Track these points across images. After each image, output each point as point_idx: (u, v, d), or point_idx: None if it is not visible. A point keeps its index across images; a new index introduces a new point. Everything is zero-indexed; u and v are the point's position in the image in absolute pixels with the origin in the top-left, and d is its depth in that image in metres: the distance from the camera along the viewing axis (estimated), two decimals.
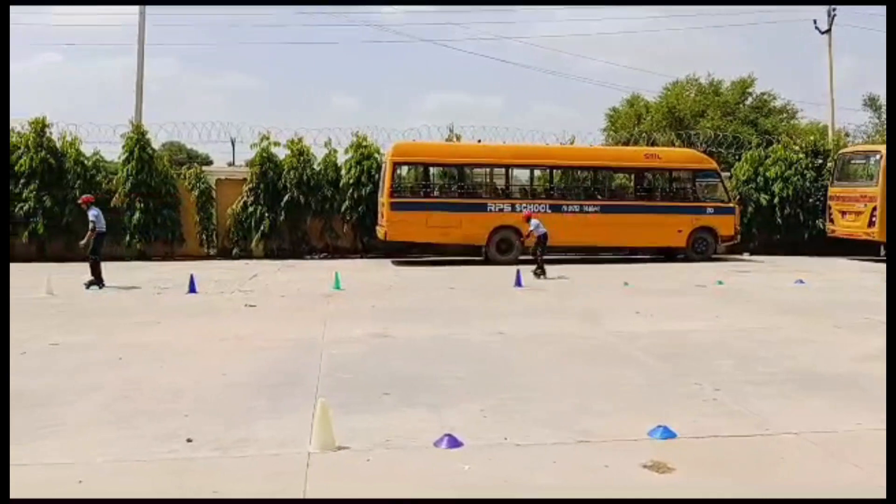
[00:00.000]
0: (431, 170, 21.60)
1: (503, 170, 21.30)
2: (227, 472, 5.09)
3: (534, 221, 17.31)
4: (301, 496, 4.70)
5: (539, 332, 10.26)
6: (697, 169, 21.84)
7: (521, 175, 22.12)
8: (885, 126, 33.86)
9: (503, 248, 20.29)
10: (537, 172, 22.09)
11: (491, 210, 20.37)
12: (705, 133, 28.26)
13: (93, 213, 15.06)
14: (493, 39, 76.24)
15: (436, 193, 21.22)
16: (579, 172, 22.58)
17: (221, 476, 5.01)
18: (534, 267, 16.69)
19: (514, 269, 16.05)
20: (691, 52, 69.21)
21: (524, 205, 20.03)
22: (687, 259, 21.18)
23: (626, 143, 28.97)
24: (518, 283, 15.12)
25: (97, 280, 14.84)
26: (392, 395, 6.95)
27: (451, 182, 21.66)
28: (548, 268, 16.85)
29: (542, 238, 17.10)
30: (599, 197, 21.51)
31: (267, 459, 5.33)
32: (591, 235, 20.79)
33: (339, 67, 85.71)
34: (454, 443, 5.55)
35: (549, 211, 20.31)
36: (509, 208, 20.29)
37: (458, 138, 23.41)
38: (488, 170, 21.63)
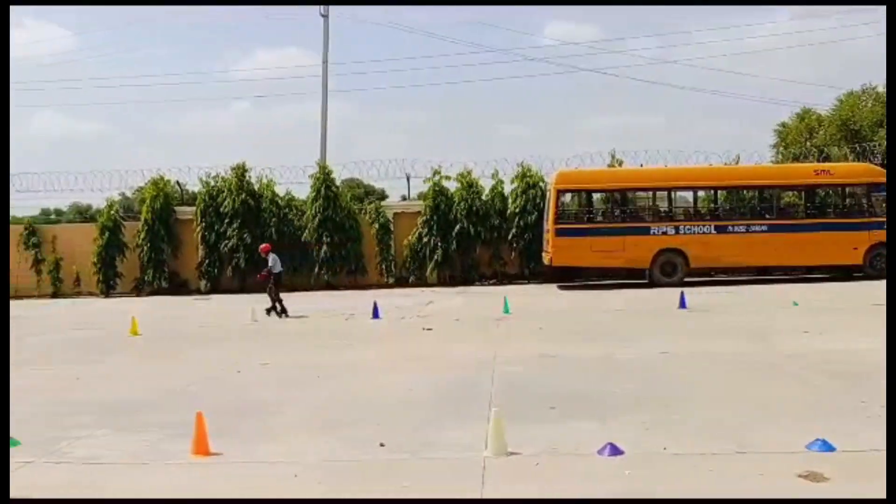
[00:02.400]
0: (594, 195, 22.04)
1: (666, 192, 21.37)
2: (415, 472, 5.88)
3: None
4: (479, 494, 5.37)
5: (704, 351, 10.51)
6: (873, 183, 20.79)
7: (685, 197, 22.07)
8: None
9: (667, 271, 20.33)
10: (701, 193, 21.97)
11: (654, 233, 20.49)
12: (884, 145, 26.66)
13: (271, 259, 17.02)
14: (654, 63, 75.09)
15: (599, 218, 21.62)
16: (745, 192, 22.17)
17: (411, 474, 5.80)
18: (699, 289, 16.70)
19: (678, 290, 16.17)
20: (867, 60, 64.67)
21: (688, 227, 20.03)
22: (865, 277, 20.18)
23: (797, 159, 27.90)
24: (682, 304, 15.24)
25: (280, 308, 16.51)
26: (558, 408, 7.58)
27: (614, 206, 21.97)
28: (713, 288, 16.78)
29: None
30: (767, 216, 21.00)
31: (448, 462, 6.08)
32: (759, 255, 20.37)
33: (503, 100, 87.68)
34: (616, 451, 6.02)
35: (715, 232, 20.15)
36: (673, 231, 20.33)
37: (620, 163, 23.71)
38: (651, 193, 21.76)
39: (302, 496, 5.43)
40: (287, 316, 16.33)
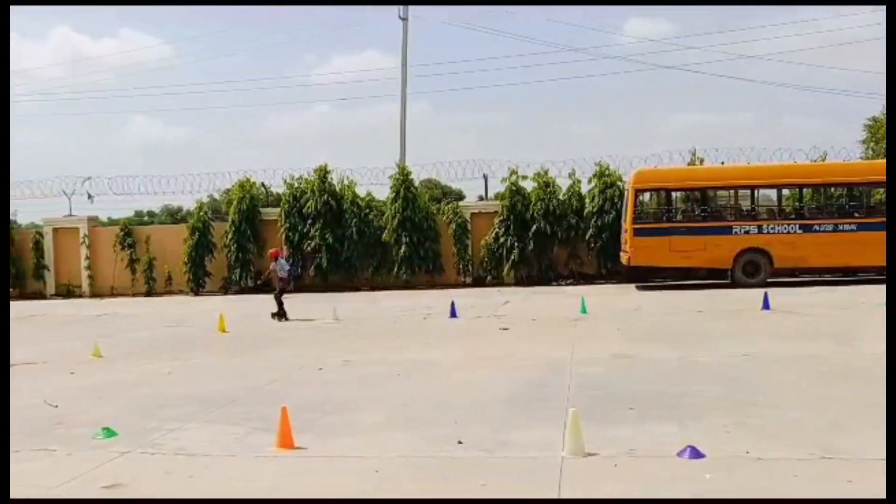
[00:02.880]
0: (674, 194, 21.66)
1: (749, 191, 20.83)
2: (493, 470, 5.96)
3: None
4: (556, 494, 5.41)
5: (787, 353, 10.25)
6: None
7: (769, 195, 21.45)
8: None
9: (750, 271, 19.82)
10: (786, 192, 21.31)
11: (736, 232, 20.01)
12: None
13: (278, 264, 17.26)
14: (735, 59, 73.06)
15: (678, 218, 21.22)
16: (833, 190, 21.39)
17: (488, 472, 5.88)
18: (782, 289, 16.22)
19: (761, 291, 15.77)
20: None
21: (772, 226, 19.48)
22: None
23: None
24: (766, 305, 14.86)
25: (280, 313, 16.57)
26: (636, 409, 7.55)
27: (695, 205, 21.52)
28: (798, 289, 16.29)
29: None
30: (856, 214, 20.21)
31: (526, 461, 6.15)
32: (846, 255, 19.61)
33: (580, 99, 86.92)
34: (696, 454, 5.98)
35: (800, 231, 19.54)
36: (756, 230, 19.81)
37: (702, 161, 23.21)
38: (733, 191, 21.24)
39: (384, 491, 5.59)
40: (286, 320, 16.45)
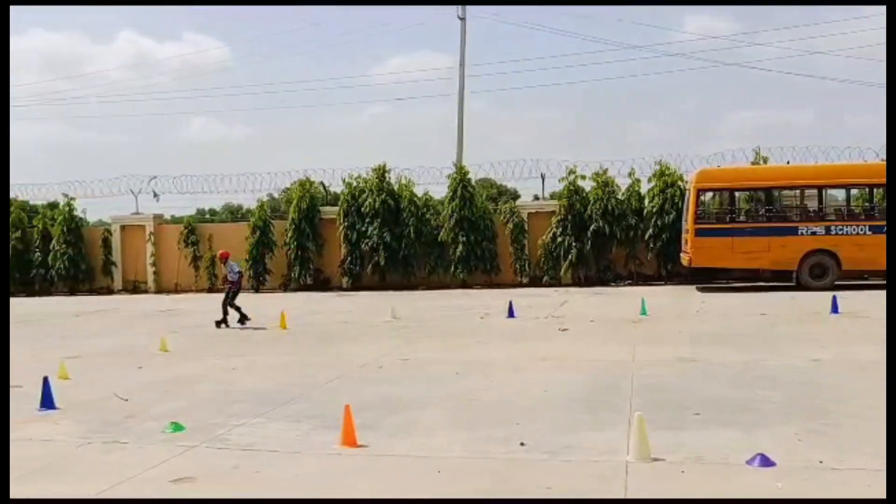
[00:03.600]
0: (737, 194, 21.17)
1: (815, 191, 20.24)
2: (556, 472, 5.91)
3: None
4: (623, 498, 5.35)
5: (859, 359, 9.93)
6: None
7: (836, 195, 20.81)
8: None
9: (817, 273, 19.26)
10: (854, 192, 20.63)
11: (803, 233, 19.47)
12: None
13: (229, 266, 16.47)
14: (799, 55, 71.08)
15: (741, 218, 20.75)
16: None
17: (552, 475, 5.83)
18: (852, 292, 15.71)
19: (828, 294, 15.31)
20: None
21: (840, 227, 18.90)
22: None
23: None
24: (834, 309, 14.42)
25: (224, 320, 15.81)
26: (702, 414, 7.40)
27: (758, 206, 21.00)
28: (868, 292, 15.76)
29: None
30: None
31: (590, 464, 6.08)
32: None
33: (639, 97, 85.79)
34: (766, 462, 5.82)
35: (870, 232, 18.89)
36: (823, 231, 19.25)
37: (765, 160, 22.67)
38: (799, 191, 20.66)
39: (447, 492, 5.59)
40: (246, 322, 15.82)
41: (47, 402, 8.55)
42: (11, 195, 28.33)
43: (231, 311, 15.86)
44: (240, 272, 16.51)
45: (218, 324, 15.73)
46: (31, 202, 29.26)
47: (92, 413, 8.29)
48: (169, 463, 6.42)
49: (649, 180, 23.94)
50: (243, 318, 15.83)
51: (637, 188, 24.25)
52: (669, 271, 23.27)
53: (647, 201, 23.79)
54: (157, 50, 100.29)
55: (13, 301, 24.61)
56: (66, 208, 27.63)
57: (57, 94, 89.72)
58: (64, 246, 27.16)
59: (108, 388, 9.45)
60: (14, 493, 5.74)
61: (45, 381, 8.67)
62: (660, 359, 10.40)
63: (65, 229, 27.21)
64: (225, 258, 16.61)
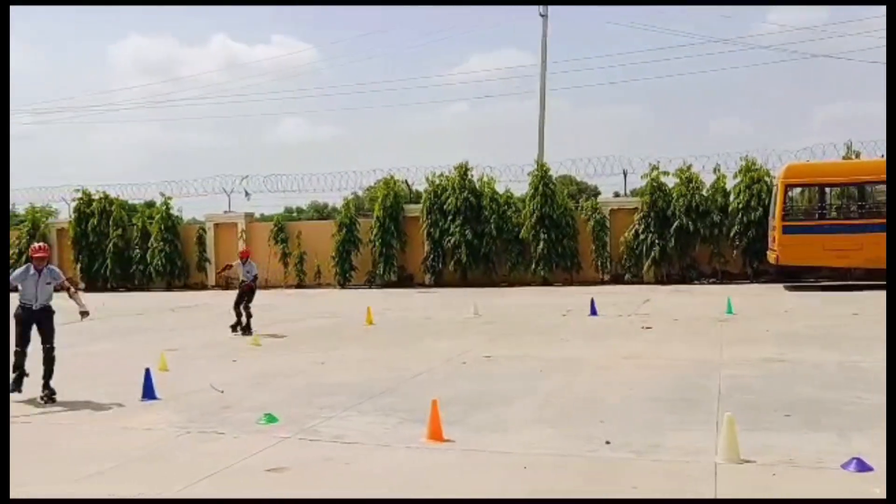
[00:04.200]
0: (827, 190, 20.44)
1: None
2: (642, 472, 5.88)
3: None
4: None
5: None
6: None
7: None
8: None
9: None
10: None
11: None
12: None
13: (249, 266, 15.11)
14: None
15: (832, 214, 20.07)
16: None
17: (639, 475, 5.82)
18: None
19: None
20: None
21: None
22: None
23: None
24: None
25: (239, 324, 14.62)
26: (794, 416, 7.23)
27: (850, 202, 20.24)
28: None
29: None
30: None
31: (677, 465, 6.03)
32: None
33: (723, 91, 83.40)
34: (863, 466, 5.66)
35: None
36: None
37: (858, 155, 21.82)
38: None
39: (533, 489, 5.67)
40: (237, 330, 14.56)
41: (149, 392, 8.96)
42: (113, 194, 29.84)
43: (242, 313, 14.63)
44: (256, 274, 15.23)
45: (234, 328, 14.55)
46: (131, 201, 30.70)
47: (190, 404, 8.67)
48: (264, 453, 6.67)
49: (735, 176, 23.44)
50: (236, 327, 14.54)
51: (722, 184, 23.76)
52: (756, 269, 22.71)
53: (732, 198, 23.30)
54: (248, 53, 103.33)
55: (115, 296, 25.90)
56: (164, 207, 28.92)
57: (154, 98, 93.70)
58: (161, 243, 28.43)
59: (204, 380, 9.85)
60: (115, 479, 6.11)
61: (147, 372, 9.11)
62: (747, 358, 10.20)
63: (162, 227, 28.49)
64: (245, 257, 15.39)
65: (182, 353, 12.09)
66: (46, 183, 55.16)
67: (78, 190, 30.25)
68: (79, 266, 29.59)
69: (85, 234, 29.52)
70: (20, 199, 31.70)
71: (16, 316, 9.06)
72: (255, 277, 15.17)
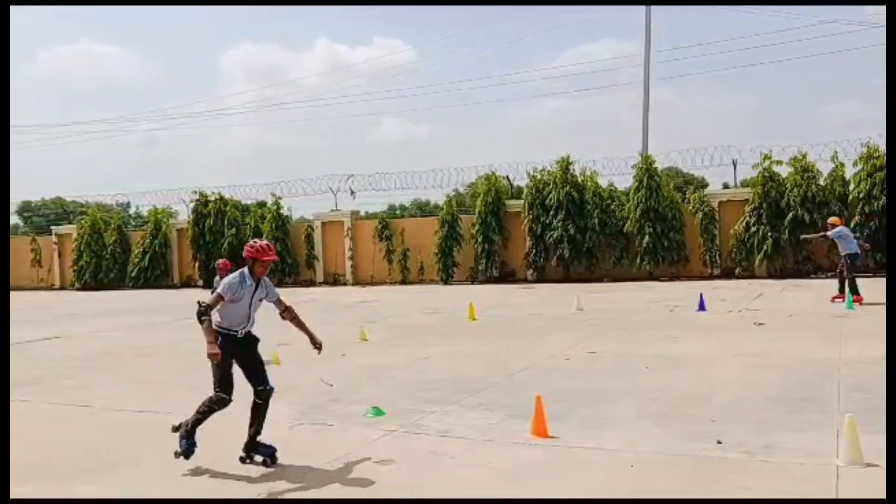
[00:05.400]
0: None
1: None
2: (755, 474, 5.69)
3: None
4: None
5: None
6: None
7: None
8: None
9: None
10: None
11: None
12: None
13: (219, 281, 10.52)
14: None
15: None
16: None
17: (751, 476, 5.63)
18: None
19: None
20: None
21: None
22: None
23: None
24: None
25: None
26: None
27: None
28: None
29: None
30: None
31: (793, 467, 5.81)
32: None
33: (835, 76, 79.06)
34: None
35: None
36: None
37: None
38: None
39: (640, 489, 5.60)
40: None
41: None
42: (227, 195, 31.21)
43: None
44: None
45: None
46: (244, 202, 32.02)
47: (302, 396, 8.97)
48: (373, 445, 6.85)
49: (855, 164, 22.22)
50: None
51: (841, 173, 22.59)
52: (878, 262, 21.44)
53: (852, 186, 22.11)
54: (350, 55, 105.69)
55: None
56: (274, 207, 30.03)
57: (263, 102, 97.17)
58: (272, 241, 29.43)
59: (314, 373, 10.14)
60: (225, 469, 6.40)
61: None
62: (869, 357, 9.68)
63: (273, 226, 29.59)
64: (224, 270, 12.50)
65: (293, 348, 12.48)
66: (166, 185, 58.15)
67: (195, 192, 31.81)
68: (197, 264, 31.10)
69: (202, 233, 30.98)
70: (143, 202, 33.62)
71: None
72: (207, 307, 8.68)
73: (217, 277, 11.89)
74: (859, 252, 15.91)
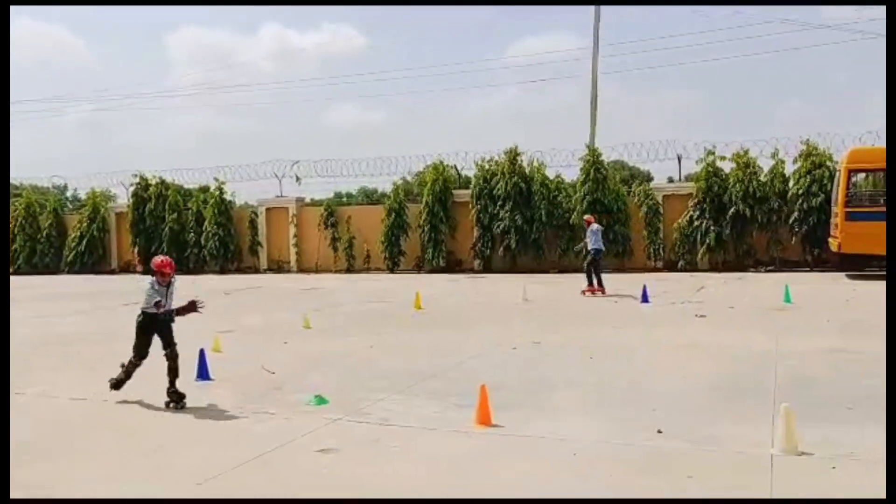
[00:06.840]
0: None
1: None
2: (697, 462, 5.75)
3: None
4: (768, 493, 5.13)
5: None
6: None
7: None
8: None
9: None
10: None
11: None
12: None
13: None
14: None
15: None
16: None
17: (691, 466, 5.68)
18: None
19: None
20: None
21: None
22: None
23: None
24: None
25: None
26: (856, 409, 6.99)
27: None
28: None
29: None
30: None
31: (732, 456, 5.89)
32: None
33: (781, 75, 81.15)
34: None
35: None
36: None
37: None
38: None
39: (583, 477, 5.60)
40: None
41: (203, 373, 9.12)
42: (169, 179, 30.47)
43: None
44: (158, 301, 8.30)
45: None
46: (186, 186, 31.30)
47: (243, 384, 8.81)
48: (314, 433, 6.74)
49: (795, 161, 22.77)
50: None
51: (781, 169, 23.13)
52: (815, 257, 22.07)
53: (791, 183, 22.65)
54: (299, 40, 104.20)
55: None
56: (217, 192, 29.41)
57: (209, 85, 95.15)
58: (215, 227, 28.94)
59: (256, 361, 9.97)
60: (165, 457, 6.23)
61: (202, 353, 9.27)
62: (806, 349, 9.92)
63: (216, 212, 28.98)
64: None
65: (235, 335, 12.26)
66: (106, 168, 56.53)
67: (135, 175, 30.96)
68: (136, 249, 30.30)
69: (142, 217, 30.19)
70: (81, 185, 32.59)
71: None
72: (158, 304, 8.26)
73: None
74: (603, 248, 18.06)
